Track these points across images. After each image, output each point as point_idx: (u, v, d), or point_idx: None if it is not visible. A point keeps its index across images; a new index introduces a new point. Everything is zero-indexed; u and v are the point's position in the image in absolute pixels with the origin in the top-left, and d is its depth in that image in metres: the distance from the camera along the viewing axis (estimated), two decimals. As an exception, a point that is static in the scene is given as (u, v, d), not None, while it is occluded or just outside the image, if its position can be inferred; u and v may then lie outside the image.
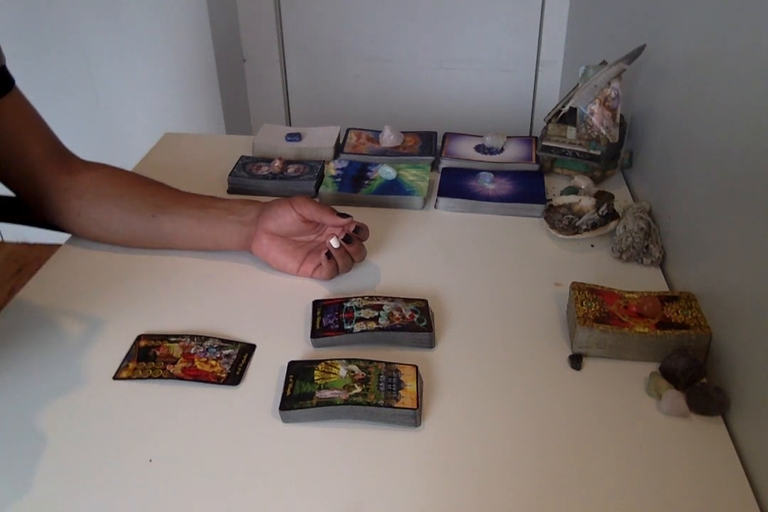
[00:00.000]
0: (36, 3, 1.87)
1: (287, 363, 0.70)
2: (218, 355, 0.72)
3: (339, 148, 1.12)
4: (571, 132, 1.02)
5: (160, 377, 0.69)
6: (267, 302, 0.81)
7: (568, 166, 1.06)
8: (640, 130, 1.05)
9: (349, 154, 1.10)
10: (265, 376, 0.70)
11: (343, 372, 0.67)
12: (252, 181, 1.03)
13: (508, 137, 1.12)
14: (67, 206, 0.87)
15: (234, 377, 0.69)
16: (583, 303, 0.74)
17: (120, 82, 1.98)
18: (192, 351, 0.72)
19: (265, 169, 1.05)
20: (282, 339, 0.75)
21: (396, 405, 0.64)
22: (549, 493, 0.58)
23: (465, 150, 1.11)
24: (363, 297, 0.78)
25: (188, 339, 0.73)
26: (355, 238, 0.82)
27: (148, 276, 0.85)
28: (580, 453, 0.62)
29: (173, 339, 0.74)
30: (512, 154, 1.09)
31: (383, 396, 0.64)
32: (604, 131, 0.99)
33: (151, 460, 0.61)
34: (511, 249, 0.91)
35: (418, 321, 0.74)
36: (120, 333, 0.75)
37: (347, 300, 0.78)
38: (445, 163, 1.08)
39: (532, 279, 0.85)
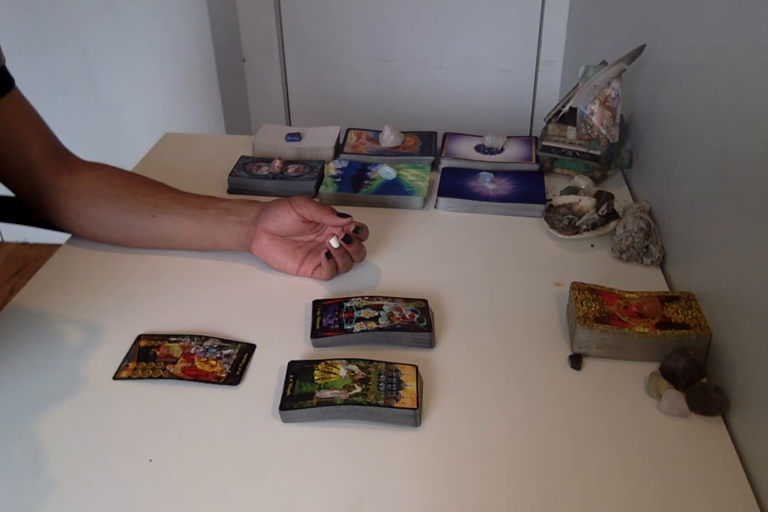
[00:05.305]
0: (36, 3, 1.87)
1: (287, 363, 0.70)
2: (218, 355, 0.72)
3: (339, 148, 1.12)
4: (571, 132, 1.02)
5: (160, 377, 0.69)
6: (267, 302, 0.81)
7: (568, 166, 1.06)
8: (640, 130, 1.05)
9: (349, 154, 1.10)
10: (265, 376, 0.70)
11: (343, 372, 0.67)
12: (252, 181, 1.03)
13: (508, 137, 1.12)
14: (66, 206, 0.87)
15: (234, 377, 0.69)
16: (583, 303, 0.74)
17: (120, 82, 1.98)
18: (192, 351, 0.72)
19: (265, 169, 1.05)
20: (282, 339, 0.75)
21: (396, 405, 0.63)
22: (549, 493, 0.58)
23: (465, 150, 1.11)
24: (363, 297, 0.78)
25: (188, 339, 0.73)
26: (355, 238, 0.82)
27: (148, 276, 0.85)
28: (579, 453, 0.62)
29: (173, 339, 0.74)
30: (512, 154, 1.09)
31: (383, 396, 0.64)
32: (604, 131, 0.99)
33: (151, 460, 0.61)
34: (511, 249, 0.91)
35: (418, 321, 0.74)
36: (120, 333, 0.75)
37: (347, 300, 0.78)
38: (445, 163, 1.08)
39: (532, 279, 0.85)
